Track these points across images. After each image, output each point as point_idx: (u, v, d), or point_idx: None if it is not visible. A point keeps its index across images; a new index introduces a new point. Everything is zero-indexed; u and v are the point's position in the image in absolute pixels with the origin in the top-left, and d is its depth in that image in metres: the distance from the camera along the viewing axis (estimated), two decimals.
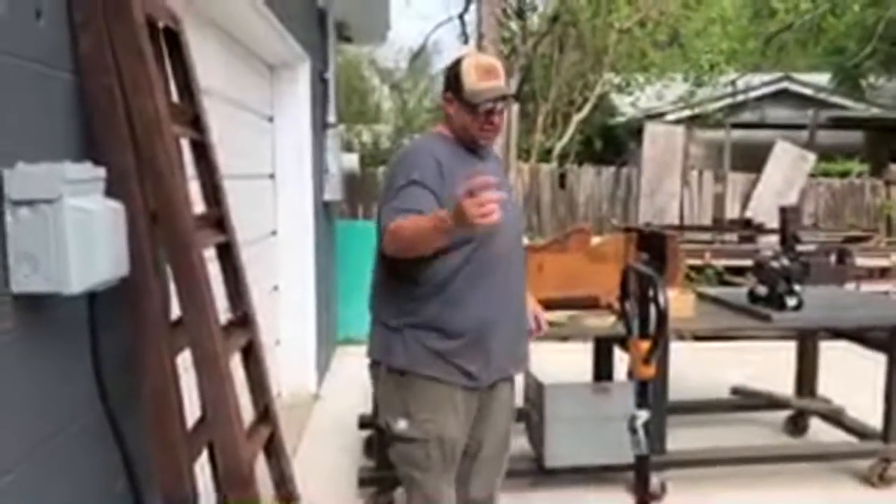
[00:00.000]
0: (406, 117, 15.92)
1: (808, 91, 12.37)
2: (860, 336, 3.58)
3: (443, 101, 2.12)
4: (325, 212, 5.00)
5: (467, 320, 2.02)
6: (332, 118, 5.00)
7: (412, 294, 2.02)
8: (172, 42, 1.81)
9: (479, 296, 2.03)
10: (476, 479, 2.25)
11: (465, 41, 12.38)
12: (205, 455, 1.71)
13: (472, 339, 2.04)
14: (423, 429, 2.05)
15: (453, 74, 2.05)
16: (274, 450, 1.96)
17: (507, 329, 2.11)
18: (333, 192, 4.96)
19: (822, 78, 14.06)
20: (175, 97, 1.81)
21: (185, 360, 1.62)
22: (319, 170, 4.77)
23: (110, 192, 1.42)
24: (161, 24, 1.74)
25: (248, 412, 1.84)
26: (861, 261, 6.98)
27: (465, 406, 2.08)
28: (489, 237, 1.99)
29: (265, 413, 1.95)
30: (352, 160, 6.28)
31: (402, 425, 2.06)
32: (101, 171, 1.39)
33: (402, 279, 2.03)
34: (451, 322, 2.02)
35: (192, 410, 1.65)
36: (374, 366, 2.17)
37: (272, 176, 4.32)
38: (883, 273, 7.33)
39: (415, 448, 2.07)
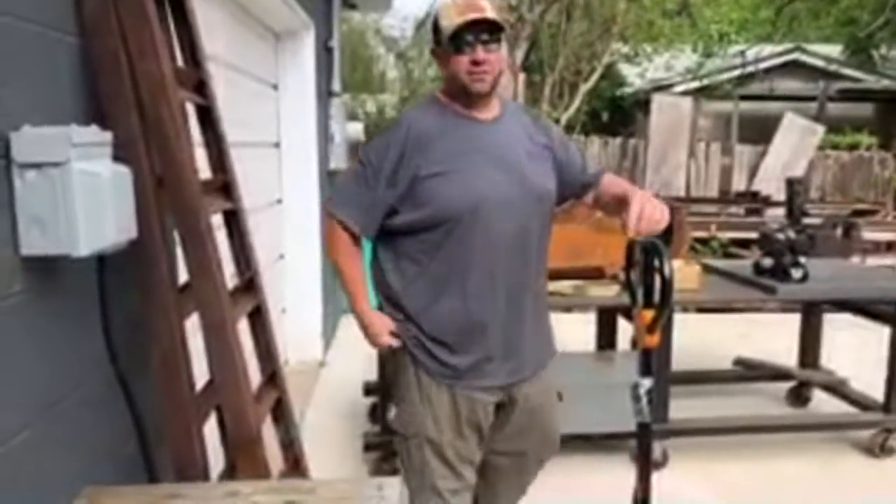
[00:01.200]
0: (411, 86, 15.79)
1: (818, 62, 12.19)
2: (864, 309, 3.58)
3: (433, 60, 1.89)
4: (330, 181, 5.00)
5: (446, 323, 1.81)
6: (336, 87, 4.97)
7: (394, 279, 1.86)
8: (177, 6, 1.79)
9: (462, 292, 1.79)
10: (487, 499, 2.07)
11: None
12: (213, 418, 1.73)
13: (455, 336, 1.82)
14: (402, 423, 1.91)
15: (433, 22, 1.81)
16: (281, 414, 1.98)
17: (512, 324, 1.85)
18: (338, 161, 4.94)
19: (834, 49, 13.85)
20: (180, 62, 1.80)
21: (193, 324, 1.63)
22: (324, 138, 4.75)
23: (116, 156, 1.42)
24: None
25: (255, 377, 1.87)
26: (867, 234, 6.96)
27: (452, 411, 1.85)
28: (476, 221, 1.75)
29: (272, 378, 1.97)
30: (356, 129, 6.25)
31: (390, 414, 1.94)
32: (108, 135, 1.39)
33: (384, 260, 1.88)
34: (431, 318, 1.82)
35: (201, 374, 1.67)
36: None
37: (277, 144, 4.31)
38: (889, 247, 7.31)
39: (399, 442, 1.94)
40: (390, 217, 1.81)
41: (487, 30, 1.72)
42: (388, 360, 2.02)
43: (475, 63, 1.72)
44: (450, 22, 1.72)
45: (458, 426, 1.86)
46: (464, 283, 1.79)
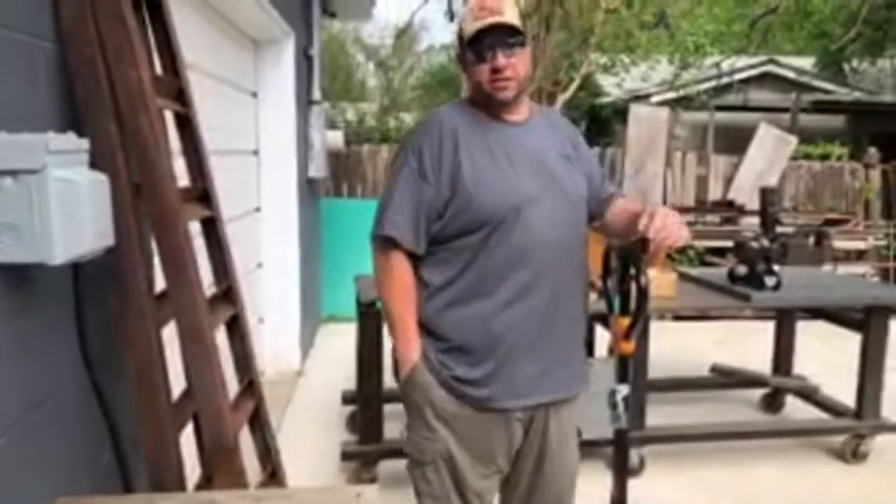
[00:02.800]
0: (391, 95, 15.82)
1: (791, 74, 12.42)
2: (836, 316, 3.65)
3: (458, 66, 1.83)
4: (309, 189, 4.99)
5: (472, 332, 1.69)
6: (316, 95, 4.97)
7: (420, 285, 1.74)
8: (156, 14, 1.79)
9: (493, 300, 1.67)
10: None
11: (451, 18, 12.27)
12: (190, 426, 1.72)
13: (475, 353, 1.70)
14: (416, 447, 1.77)
15: (458, 27, 1.74)
16: (258, 422, 1.97)
17: (544, 340, 1.73)
18: (318, 170, 4.94)
19: (807, 62, 14.12)
20: (159, 69, 1.79)
21: (170, 332, 1.63)
22: (304, 146, 4.74)
23: (93, 163, 1.42)
24: None
25: (233, 386, 1.86)
26: (839, 243, 7.09)
27: (470, 430, 1.73)
28: (514, 225, 1.66)
29: (250, 386, 1.96)
30: (336, 137, 6.26)
31: (403, 434, 1.83)
32: (85, 143, 1.38)
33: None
34: (450, 332, 1.70)
35: (178, 383, 1.66)
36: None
37: (256, 152, 4.29)
38: (860, 255, 7.45)
39: (412, 466, 1.80)
40: (433, 224, 1.70)
41: (507, 34, 1.64)
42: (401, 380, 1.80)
43: (496, 70, 1.65)
44: (467, 28, 1.67)
45: (476, 448, 1.74)
46: (495, 290, 1.68)
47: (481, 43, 1.65)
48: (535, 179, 1.71)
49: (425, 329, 1.73)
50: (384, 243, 1.71)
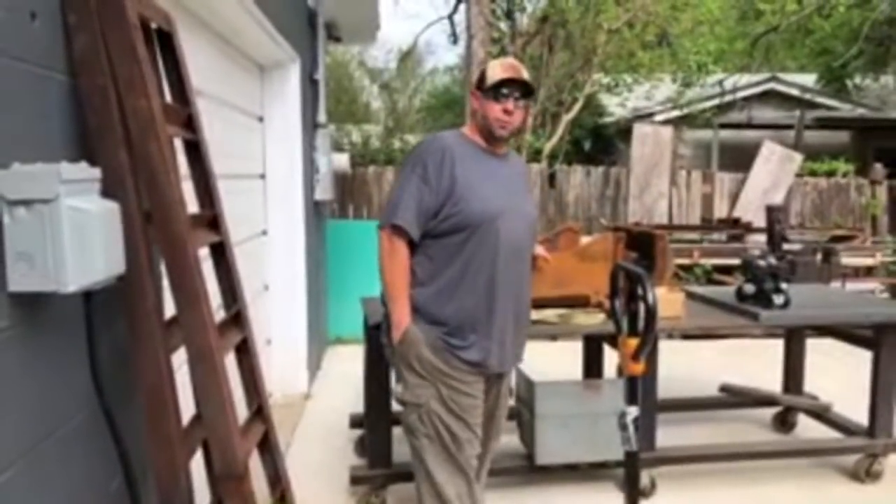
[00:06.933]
0: (396, 117, 15.94)
1: (794, 91, 12.46)
2: (846, 333, 3.62)
3: (471, 99, 2.31)
4: (315, 211, 5.01)
5: (457, 312, 2.15)
6: (322, 118, 5.01)
7: (417, 274, 2.17)
8: (165, 43, 1.82)
9: (473, 287, 2.14)
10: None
11: (455, 41, 12.41)
12: (200, 452, 1.72)
13: (461, 328, 2.16)
14: (414, 392, 2.18)
15: (481, 72, 2.26)
16: (268, 447, 1.97)
17: (504, 322, 2.20)
18: (324, 192, 4.96)
19: (809, 78, 14.17)
20: (168, 97, 1.82)
21: (180, 358, 1.63)
22: (310, 169, 4.77)
23: (105, 191, 1.44)
24: (154, 25, 1.75)
25: (242, 410, 1.86)
26: (846, 259, 7.05)
27: (467, 384, 2.17)
28: (489, 230, 2.13)
29: (259, 411, 1.96)
30: (342, 160, 6.28)
31: (398, 390, 2.22)
32: (97, 172, 1.40)
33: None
34: (440, 313, 2.15)
35: (188, 408, 1.66)
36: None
37: (262, 176, 4.32)
38: (868, 271, 7.41)
39: (411, 411, 2.18)
40: (429, 221, 2.13)
41: (521, 89, 2.17)
42: (392, 349, 2.25)
43: (506, 112, 2.16)
44: (494, 74, 2.17)
45: (458, 390, 2.18)
46: (475, 279, 2.14)
47: (503, 89, 2.15)
48: (506, 199, 2.20)
49: (416, 311, 2.16)
50: (392, 231, 2.13)
